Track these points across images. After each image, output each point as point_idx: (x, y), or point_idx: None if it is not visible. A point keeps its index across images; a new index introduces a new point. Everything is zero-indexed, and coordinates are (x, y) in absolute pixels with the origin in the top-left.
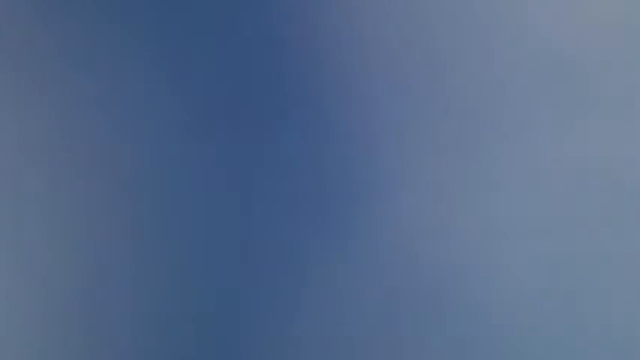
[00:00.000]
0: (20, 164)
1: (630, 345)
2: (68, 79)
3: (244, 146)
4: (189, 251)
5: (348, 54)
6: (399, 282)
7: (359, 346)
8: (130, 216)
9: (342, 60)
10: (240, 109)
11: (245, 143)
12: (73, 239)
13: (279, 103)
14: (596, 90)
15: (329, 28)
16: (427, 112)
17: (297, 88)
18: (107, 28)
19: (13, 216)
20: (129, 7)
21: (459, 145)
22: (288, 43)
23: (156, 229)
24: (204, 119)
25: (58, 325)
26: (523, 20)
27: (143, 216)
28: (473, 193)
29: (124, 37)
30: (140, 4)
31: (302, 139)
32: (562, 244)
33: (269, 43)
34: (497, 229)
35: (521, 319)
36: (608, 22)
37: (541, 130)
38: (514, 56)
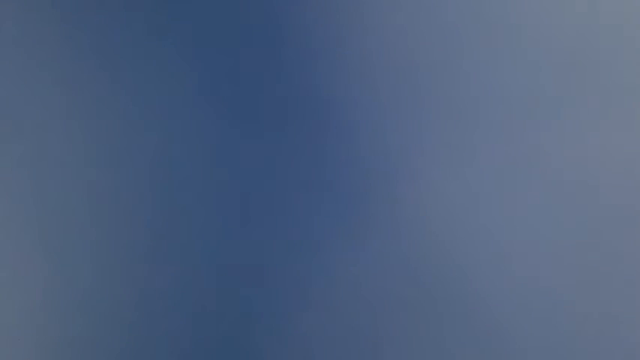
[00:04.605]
0: (21, 162)
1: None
2: (76, 78)
3: (265, 137)
4: (202, 245)
5: (359, 50)
6: (419, 276)
7: (379, 339)
8: (139, 213)
9: (355, 55)
10: (254, 103)
11: (265, 135)
12: (74, 237)
13: (295, 97)
14: (605, 83)
15: (336, 27)
16: (446, 106)
17: (311, 83)
18: (109, 26)
19: (15, 213)
20: (135, 3)
21: (477, 138)
22: (298, 38)
23: (172, 226)
24: (214, 115)
25: (58, 323)
26: (532, 16)
27: (151, 212)
28: (491, 186)
29: (126, 33)
30: (143, 3)
31: (322, 132)
32: (578, 236)
33: (279, 38)
34: (518, 220)
35: (533, 311)
36: (617, 13)
37: (556, 125)
38: (525, 51)
